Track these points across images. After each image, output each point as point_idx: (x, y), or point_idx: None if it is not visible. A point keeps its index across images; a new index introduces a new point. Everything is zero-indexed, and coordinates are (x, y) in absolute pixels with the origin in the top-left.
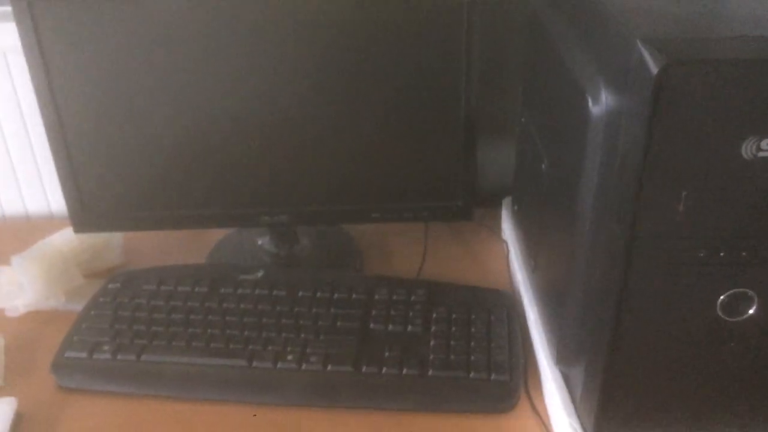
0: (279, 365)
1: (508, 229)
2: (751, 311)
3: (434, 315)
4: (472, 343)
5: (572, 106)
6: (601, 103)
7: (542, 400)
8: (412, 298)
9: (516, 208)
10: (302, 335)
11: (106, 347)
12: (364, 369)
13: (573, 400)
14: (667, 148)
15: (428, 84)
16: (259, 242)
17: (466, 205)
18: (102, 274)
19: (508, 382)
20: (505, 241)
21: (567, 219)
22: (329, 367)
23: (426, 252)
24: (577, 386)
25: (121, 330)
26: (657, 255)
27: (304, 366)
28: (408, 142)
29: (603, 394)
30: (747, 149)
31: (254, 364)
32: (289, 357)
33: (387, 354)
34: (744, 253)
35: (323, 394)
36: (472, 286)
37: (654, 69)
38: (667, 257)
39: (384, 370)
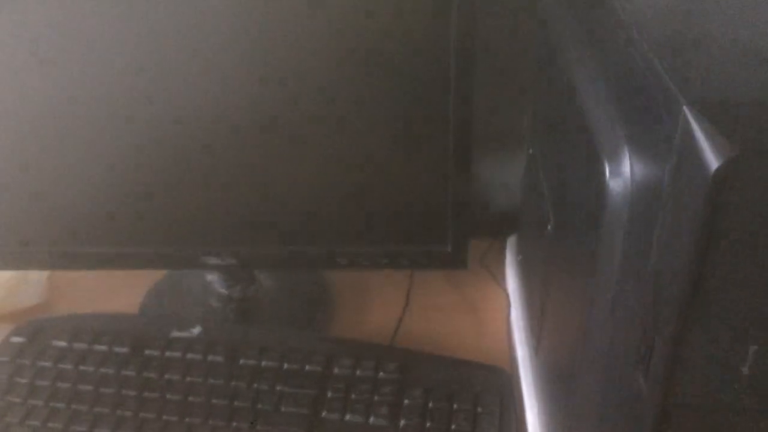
0: None
1: (512, 278)
2: None
3: (405, 401)
4: None
5: (586, 170)
6: (622, 175)
7: None
8: (380, 374)
9: (521, 258)
10: (234, 424)
11: None
12: None
13: None
14: (730, 276)
15: (409, 98)
16: (208, 278)
17: (457, 250)
18: (18, 315)
19: None
20: (506, 294)
21: (575, 319)
22: None
23: (408, 304)
24: None
25: (14, 405)
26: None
27: None
28: (383, 170)
29: None
30: None
31: None
32: None
33: None
34: None
35: None
36: (458, 360)
37: (713, 162)
38: None
39: None
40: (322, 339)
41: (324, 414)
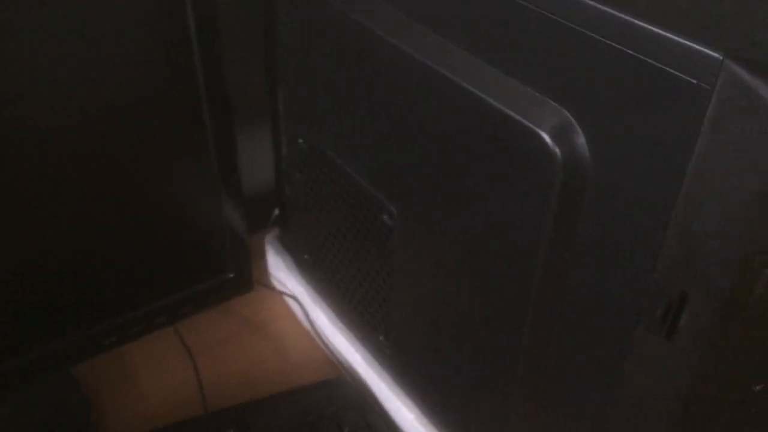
0: None
1: (293, 280)
2: None
3: None
4: None
5: (488, 144)
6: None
7: None
8: None
9: (307, 257)
10: None
11: None
12: None
13: None
14: None
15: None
16: None
17: (241, 273)
18: None
19: None
20: (295, 299)
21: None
22: None
23: (195, 361)
24: None
25: None
26: None
27: None
28: (141, 207)
29: None
30: None
31: None
32: None
33: None
34: None
35: None
36: (293, 390)
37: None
38: None
39: None
40: None
41: None
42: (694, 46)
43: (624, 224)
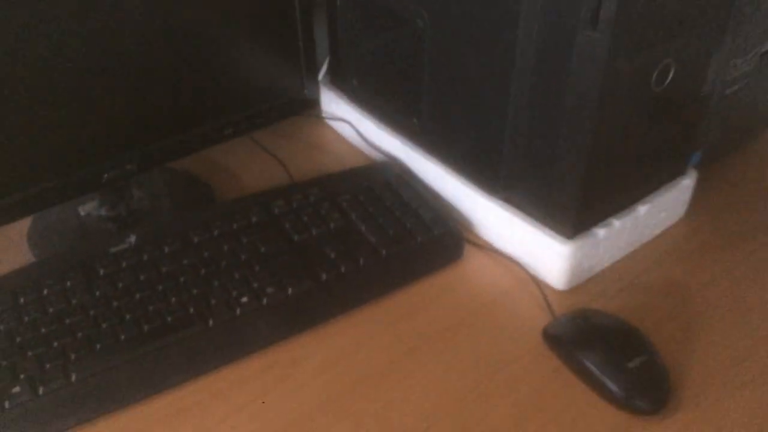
0: (239, 311)
1: (342, 109)
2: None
3: (344, 204)
4: (397, 213)
5: None
6: None
7: (480, 236)
8: (311, 198)
9: (356, 82)
10: (236, 275)
11: (16, 389)
12: (324, 277)
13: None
14: None
15: None
16: (83, 213)
17: (312, 93)
18: None
19: (451, 230)
20: (346, 122)
21: (490, 54)
22: (290, 291)
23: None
24: (535, 200)
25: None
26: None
27: (265, 300)
28: (241, 35)
29: (583, 193)
30: None
31: (211, 322)
32: (244, 299)
33: (333, 255)
34: None
35: (296, 320)
36: (354, 168)
37: None
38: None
39: (343, 268)
40: (242, 199)
41: (295, 238)
42: None
43: None
